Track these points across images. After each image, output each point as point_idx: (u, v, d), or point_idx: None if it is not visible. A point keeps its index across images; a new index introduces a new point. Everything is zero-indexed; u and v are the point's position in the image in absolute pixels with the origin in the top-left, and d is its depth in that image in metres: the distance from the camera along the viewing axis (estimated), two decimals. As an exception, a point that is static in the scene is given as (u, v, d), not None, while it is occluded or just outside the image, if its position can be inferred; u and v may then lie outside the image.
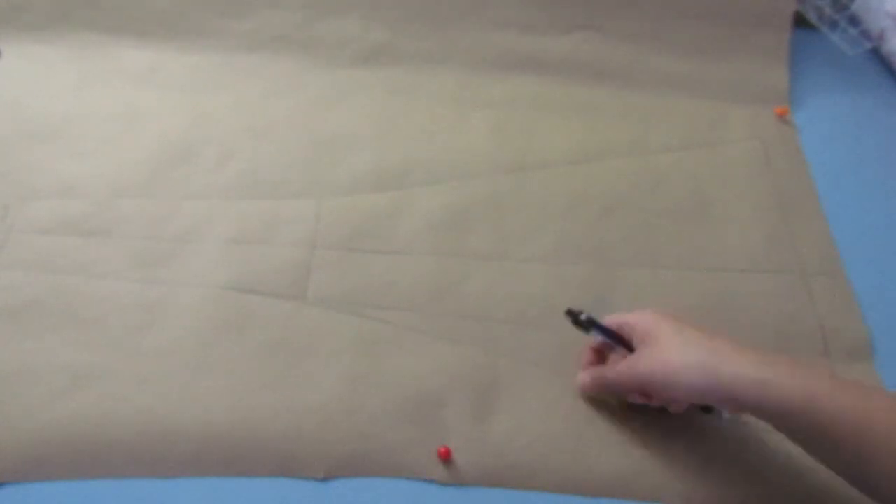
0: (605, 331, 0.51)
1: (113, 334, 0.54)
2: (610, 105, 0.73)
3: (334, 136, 0.68)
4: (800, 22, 0.79)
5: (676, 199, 0.66)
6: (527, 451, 0.50)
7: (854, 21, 0.82)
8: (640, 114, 0.72)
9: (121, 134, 0.66)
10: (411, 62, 0.75)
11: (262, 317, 0.55)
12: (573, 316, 0.52)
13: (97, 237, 0.59)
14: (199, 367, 0.53)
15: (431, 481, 0.49)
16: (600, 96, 0.74)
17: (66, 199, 0.61)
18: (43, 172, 0.63)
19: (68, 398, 0.50)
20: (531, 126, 0.70)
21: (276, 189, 0.63)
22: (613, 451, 0.50)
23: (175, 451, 0.49)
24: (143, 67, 0.72)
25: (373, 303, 0.57)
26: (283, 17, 0.75)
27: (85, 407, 0.50)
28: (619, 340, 0.50)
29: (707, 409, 0.51)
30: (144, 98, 0.69)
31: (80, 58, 0.72)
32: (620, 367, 0.48)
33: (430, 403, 0.52)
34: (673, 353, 0.45)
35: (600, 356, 0.53)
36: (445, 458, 0.49)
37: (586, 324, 0.51)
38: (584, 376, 0.52)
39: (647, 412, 0.51)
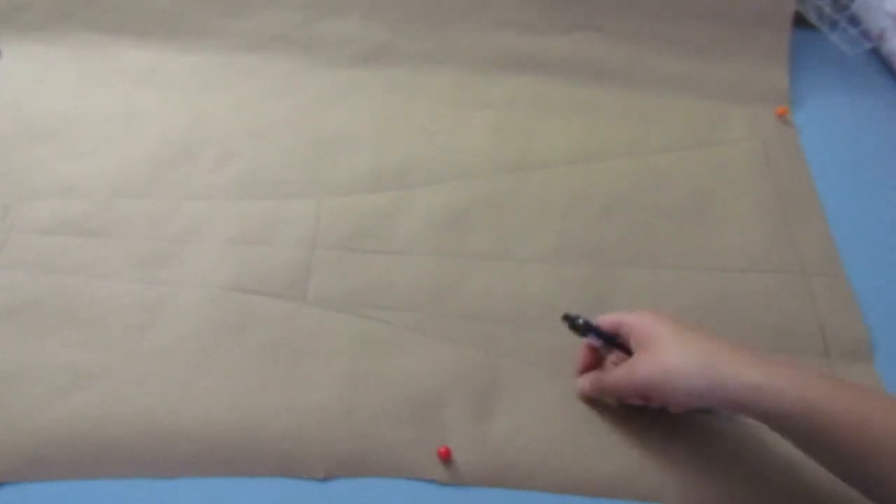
0: (602, 335, 0.51)
1: (113, 334, 0.54)
2: (610, 105, 0.73)
3: (334, 136, 0.68)
4: (800, 22, 0.79)
5: (676, 199, 0.66)
6: (527, 451, 0.50)
7: (854, 21, 0.82)
8: (640, 114, 0.72)
9: (121, 134, 0.66)
10: (411, 62, 0.75)
11: (262, 317, 0.55)
12: (570, 321, 0.52)
13: (97, 237, 0.59)
14: (199, 367, 0.53)
15: (431, 481, 0.49)
16: (600, 96, 0.74)
17: (66, 199, 0.61)
18: (43, 172, 0.63)
19: (68, 398, 0.50)
20: (531, 126, 0.70)
21: (276, 189, 0.63)
22: (613, 451, 0.50)
23: (175, 451, 0.49)
24: (143, 67, 0.72)
25: (373, 303, 0.57)
26: (283, 17, 0.75)
27: (85, 407, 0.50)
28: (616, 344, 0.50)
29: (707, 409, 0.51)
30: (144, 98, 0.69)
31: (80, 58, 0.72)
32: (619, 373, 0.48)
33: (430, 403, 0.52)
34: (670, 359, 0.45)
35: (596, 354, 0.53)
36: (445, 458, 0.49)
37: (583, 328, 0.51)
38: (584, 381, 0.52)
39: (646, 412, 0.51)
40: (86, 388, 0.51)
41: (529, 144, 0.69)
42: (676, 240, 0.63)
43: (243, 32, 0.75)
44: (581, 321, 0.51)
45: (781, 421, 0.42)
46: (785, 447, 0.44)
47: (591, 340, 0.52)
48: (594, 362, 0.53)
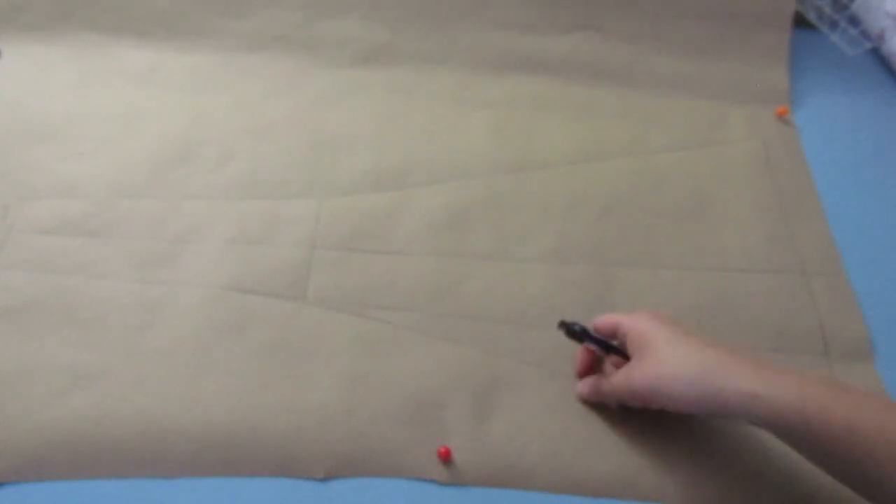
0: (598, 341, 0.51)
1: (113, 334, 0.54)
2: (610, 105, 0.73)
3: (334, 136, 0.68)
4: (800, 22, 0.79)
5: (676, 199, 0.66)
6: (527, 451, 0.50)
7: (854, 21, 0.82)
8: (640, 114, 0.72)
9: (121, 134, 0.66)
10: (411, 62, 0.75)
11: (263, 317, 0.55)
12: (566, 327, 0.52)
13: (97, 237, 0.59)
14: (199, 367, 0.53)
15: (431, 481, 0.49)
16: (600, 96, 0.74)
17: (66, 199, 0.61)
18: (43, 172, 0.63)
19: (68, 398, 0.50)
20: (531, 126, 0.70)
21: (276, 189, 0.63)
22: (613, 451, 0.50)
23: (175, 451, 0.49)
24: (143, 67, 0.72)
25: (373, 303, 0.57)
26: (283, 17, 0.75)
27: (85, 407, 0.50)
28: (613, 349, 0.50)
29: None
30: (144, 98, 0.69)
31: (80, 58, 0.72)
32: (616, 380, 0.48)
33: (430, 403, 0.52)
34: (667, 367, 0.45)
35: (595, 356, 0.53)
36: (445, 458, 0.49)
37: (580, 335, 0.51)
38: (583, 386, 0.52)
39: (646, 413, 0.51)
40: (86, 388, 0.51)
41: (529, 144, 0.69)
42: (676, 240, 0.63)
43: (243, 32, 0.75)
44: (577, 328, 0.51)
45: (779, 428, 0.42)
46: (785, 447, 0.44)
47: (589, 346, 0.52)
48: (593, 364, 0.53)
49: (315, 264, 0.59)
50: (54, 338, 0.53)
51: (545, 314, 0.57)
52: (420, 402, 0.52)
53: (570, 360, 0.54)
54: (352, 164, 0.66)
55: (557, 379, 0.54)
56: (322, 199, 0.63)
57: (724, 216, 0.65)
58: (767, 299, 0.59)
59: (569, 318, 0.53)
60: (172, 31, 0.74)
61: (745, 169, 0.69)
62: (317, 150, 0.67)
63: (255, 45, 0.74)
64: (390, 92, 0.72)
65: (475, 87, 0.73)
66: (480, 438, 0.51)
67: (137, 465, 0.48)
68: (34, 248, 0.58)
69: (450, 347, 0.55)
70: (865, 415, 0.40)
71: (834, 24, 0.82)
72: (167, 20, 0.74)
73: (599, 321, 0.51)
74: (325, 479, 0.49)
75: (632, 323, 0.49)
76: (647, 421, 0.51)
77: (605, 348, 0.51)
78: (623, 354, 0.50)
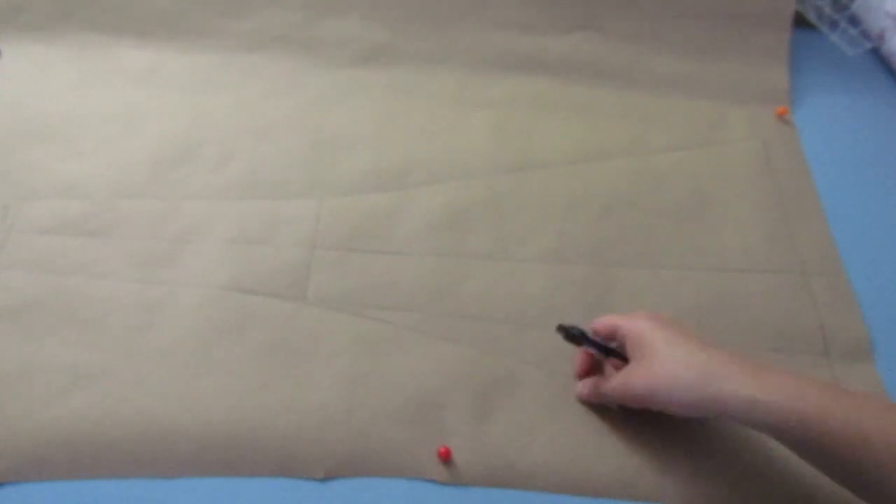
0: (597, 345, 0.51)
1: (113, 334, 0.54)
2: (610, 105, 0.73)
3: (334, 136, 0.68)
4: (800, 22, 0.79)
5: (676, 199, 0.66)
6: (527, 451, 0.50)
7: (854, 21, 0.82)
8: (640, 114, 0.72)
9: (121, 134, 0.66)
10: (411, 62, 0.75)
11: (262, 317, 0.55)
12: (564, 331, 0.52)
13: (97, 237, 0.59)
14: (199, 367, 0.53)
15: (431, 481, 0.49)
16: (600, 96, 0.74)
17: (66, 199, 0.61)
18: (43, 172, 0.63)
19: (68, 398, 0.50)
20: (531, 126, 0.70)
21: (276, 189, 0.63)
22: (613, 451, 0.50)
23: (175, 451, 0.49)
24: (143, 67, 0.72)
25: (373, 303, 0.57)
26: (283, 17, 0.75)
27: (85, 407, 0.50)
28: (612, 352, 0.50)
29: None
30: (144, 98, 0.69)
31: (80, 58, 0.72)
32: (615, 383, 0.48)
33: (430, 403, 0.52)
34: (665, 371, 0.45)
35: (593, 357, 0.53)
36: (445, 458, 0.49)
37: (578, 338, 0.51)
38: (582, 388, 0.52)
39: (646, 413, 0.51)
40: (86, 388, 0.51)
41: (529, 144, 0.69)
42: (676, 240, 0.63)
43: (243, 32, 0.75)
44: (576, 331, 0.51)
45: (779, 432, 0.42)
46: (785, 448, 0.44)
47: (588, 349, 0.52)
48: (592, 366, 0.53)
49: (315, 264, 0.59)
50: (54, 338, 0.53)
51: (545, 314, 0.57)
52: (420, 402, 0.52)
53: (570, 360, 0.54)
54: (352, 164, 0.66)
55: (557, 379, 0.54)
56: (322, 199, 0.63)
57: (724, 216, 0.65)
58: (767, 299, 0.59)
59: (567, 321, 0.53)
60: (172, 31, 0.74)
61: (745, 169, 0.69)
62: (317, 150, 0.67)
63: (255, 45, 0.74)
64: (390, 92, 0.72)
65: (475, 87, 0.73)
66: (480, 438, 0.51)
67: (137, 465, 0.48)
68: (34, 248, 0.58)
69: (450, 347, 0.55)
70: (865, 416, 0.40)
71: (834, 24, 0.82)
72: (167, 20, 0.74)
73: (598, 323, 0.51)
74: (325, 479, 0.49)
75: (630, 325, 0.48)
76: (647, 421, 0.51)
77: (603, 351, 0.51)
78: (622, 357, 0.50)
